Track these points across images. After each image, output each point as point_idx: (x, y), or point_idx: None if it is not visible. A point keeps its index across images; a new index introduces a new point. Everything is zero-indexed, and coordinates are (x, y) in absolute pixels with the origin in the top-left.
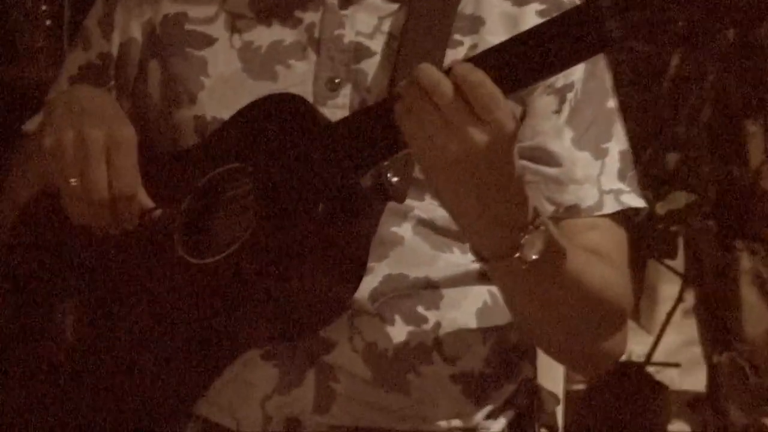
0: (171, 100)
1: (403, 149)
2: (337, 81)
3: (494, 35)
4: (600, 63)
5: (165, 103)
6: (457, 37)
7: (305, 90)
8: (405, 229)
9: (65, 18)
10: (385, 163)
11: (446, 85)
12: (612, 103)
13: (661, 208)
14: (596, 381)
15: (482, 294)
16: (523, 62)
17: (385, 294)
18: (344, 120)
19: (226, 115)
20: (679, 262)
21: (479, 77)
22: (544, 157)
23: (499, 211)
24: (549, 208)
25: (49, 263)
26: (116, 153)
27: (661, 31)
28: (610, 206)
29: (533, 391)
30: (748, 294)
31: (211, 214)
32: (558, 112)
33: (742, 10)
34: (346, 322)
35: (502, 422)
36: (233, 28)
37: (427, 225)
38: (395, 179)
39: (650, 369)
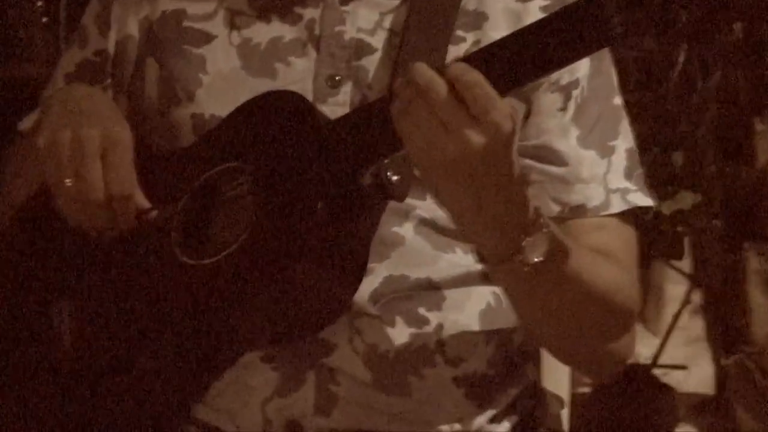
0: (168, 97)
1: (403, 148)
2: (337, 78)
3: (497, 31)
4: (606, 59)
5: (162, 100)
6: (459, 33)
7: (305, 87)
8: (406, 229)
9: (61, 15)
10: (385, 162)
11: (440, 85)
12: (618, 100)
13: (667, 208)
14: (602, 383)
15: (485, 295)
16: (525, 58)
17: (385, 295)
18: (343, 118)
19: (224, 113)
20: (685, 263)
21: (474, 77)
22: (549, 156)
23: (498, 212)
24: (555, 208)
25: (45, 265)
26: (112, 153)
27: (665, 26)
28: (617, 205)
29: (537, 394)
30: (756, 295)
31: (209, 214)
32: (563, 109)
33: (747, 5)
34: (346, 324)
35: (505, 426)
36: (232, 25)
37: (428, 225)
38: (395, 178)
39: (657, 371)
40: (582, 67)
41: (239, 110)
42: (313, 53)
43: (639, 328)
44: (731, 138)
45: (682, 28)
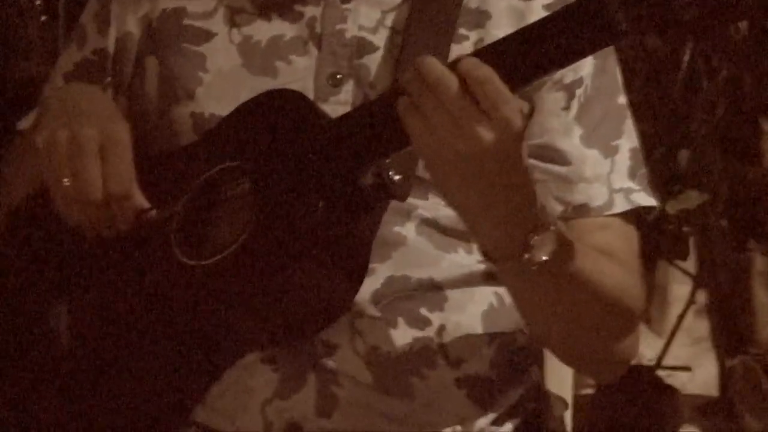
0: (168, 96)
1: (406, 146)
2: (339, 77)
3: (500, 29)
4: (610, 58)
5: (162, 99)
6: (462, 31)
7: (306, 86)
8: (408, 229)
9: (60, 13)
10: (387, 161)
11: (451, 80)
12: (622, 99)
13: (672, 208)
14: (605, 385)
15: (488, 296)
16: (529, 56)
17: (387, 296)
18: (344, 116)
19: (224, 111)
20: (690, 263)
21: (486, 72)
22: (552, 155)
23: (507, 210)
24: (558, 208)
25: (44, 264)
26: (110, 152)
27: (670, 24)
28: (621, 205)
29: (540, 395)
30: (762, 296)
31: (209, 214)
32: (567, 108)
33: (753, 3)
34: (347, 325)
35: (508, 428)
36: (232, 23)
37: (430, 225)
38: (397, 177)
39: (661, 372)
40: (586, 66)
41: (239, 109)
42: (314, 51)
43: (643, 329)
44: (737, 137)
45: (687, 27)
